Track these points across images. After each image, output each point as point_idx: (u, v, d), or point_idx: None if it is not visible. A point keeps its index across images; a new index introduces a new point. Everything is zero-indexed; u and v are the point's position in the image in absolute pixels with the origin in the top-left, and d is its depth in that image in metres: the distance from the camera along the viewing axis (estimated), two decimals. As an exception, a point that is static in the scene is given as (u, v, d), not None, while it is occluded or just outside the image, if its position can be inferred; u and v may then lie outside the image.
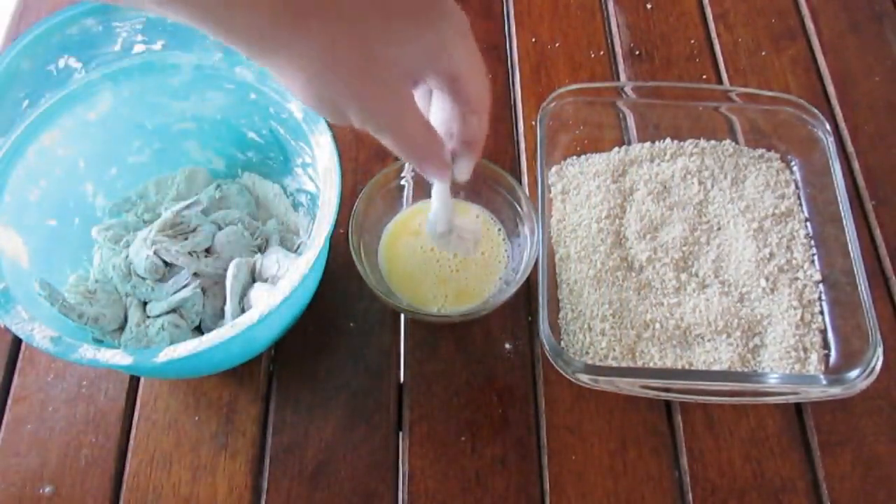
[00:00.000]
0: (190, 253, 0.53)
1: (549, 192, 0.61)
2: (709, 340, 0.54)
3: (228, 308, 0.51)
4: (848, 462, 0.51)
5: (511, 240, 0.57)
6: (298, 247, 0.56)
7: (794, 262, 0.57)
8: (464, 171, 0.43)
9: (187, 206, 0.54)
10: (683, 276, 0.56)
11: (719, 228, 0.59)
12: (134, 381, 0.54)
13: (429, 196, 0.50)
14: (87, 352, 0.41)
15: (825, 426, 0.52)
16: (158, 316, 0.52)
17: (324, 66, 0.33)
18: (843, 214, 0.55)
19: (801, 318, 0.54)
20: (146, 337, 0.51)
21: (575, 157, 0.63)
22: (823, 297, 0.56)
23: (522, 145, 0.65)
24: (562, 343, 0.54)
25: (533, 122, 0.63)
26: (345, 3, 0.32)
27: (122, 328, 0.52)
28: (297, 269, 0.44)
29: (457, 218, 0.52)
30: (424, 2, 0.35)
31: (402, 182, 0.57)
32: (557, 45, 0.70)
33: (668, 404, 0.53)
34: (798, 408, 0.53)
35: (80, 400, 0.53)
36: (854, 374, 0.49)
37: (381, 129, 0.37)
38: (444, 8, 0.36)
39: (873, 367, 0.49)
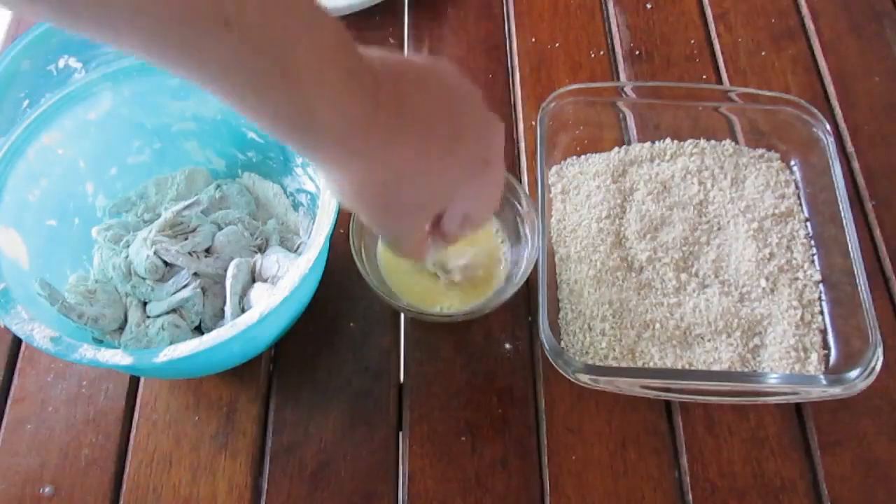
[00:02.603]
0: (190, 253, 0.53)
1: (549, 192, 0.61)
2: (709, 340, 0.54)
3: (228, 308, 0.51)
4: (848, 462, 0.51)
5: (511, 239, 0.57)
6: (298, 247, 0.56)
7: (794, 262, 0.57)
8: (433, 253, 0.46)
9: (187, 206, 0.54)
10: (683, 276, 0.56)
11: (719, 228, 0.59)
12: (134, 381, 0.54)
13: None
14: (87, 352, 0.41)
15: (825, 426, 0.52)
16: (158, 316, 0.52)
17: (365, 195, 0.35)
18: (843, 214, 0.55)
19: (801, 318, 0.54)
20: (146, 337, 0.51)
21: (575, 157, 0.63)
22: (823, 297, 0.56)
23: (522, 145, 0.64)
24: (562, 343, 0.54)
25: (533, 122, 0.63)
26: (418, 141, 0.34)
27: (122, 328, 0.52)
28: (297, 269, 0.44)
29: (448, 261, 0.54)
30: (482, 163, 0.37)
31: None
32: (557, 45, 0.70)
33: (668, 404, 0.53)
34: (798, 408, 0.53)
35: (80, 400, 0.53)
36: (854, 374, 0.49)
37: (388, 243, 0.42)
38: (496, 170, 0.39)
39: (873, 367, 0.49)
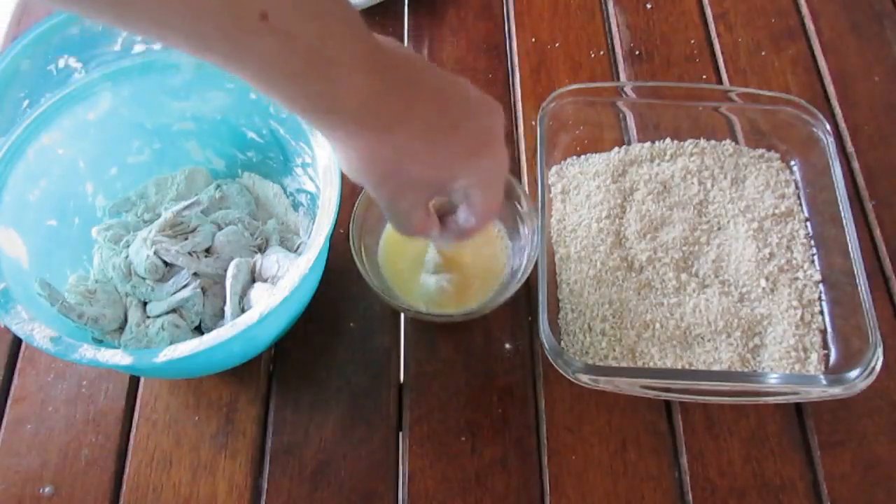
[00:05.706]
0: (190, 253, 0.53)
1: (549, 192, 0.61)
2: (709, 340, 0.54)
3: (228, 308, 0.51)
4: (848, 462, 0.51)
5: (511, 240, 0.57)
6: (298, 247, 0.56)
7: (794, 262, 0.57)
8: (442, 246, 0.49)
9: (187, 206, 0.54)
10: (683, 276, 0.56)
11: (719, 228, 0.59)
12: (134, 381, 0.54)
13: None
14: (87, 352, 0.41)
15: (825, 426, 0.52)
16: (158, 316, 0.52)
17: (372, 168, 0.37)
18: (843, 214, 0.55)
19: (801, 318, 0.54)
20: (146, 337, 0.51)
21: (575, 157, 0.63)
22: (823, 297, 0.56)
23: (522, 145, 0.64)
24: (562, 343, 0.54)
25: (533, 122, 0.63)
26: (421, 120, 0.36)
27: (122, 328, 0.52)
28: (296, 269, 0.44)
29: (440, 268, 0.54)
30: (481, 144, 0.39)
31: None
32: (557, 45, 0.70)
33: (668, 404, 0.53)
34: (798, 408, 0.53)
35: (80, 400, 0.53)
36: (854, 374, 0.49)
37: (390, 219, 0.42)
38: (495, 151, 0.40)
39: (873, 367, 0.49)
